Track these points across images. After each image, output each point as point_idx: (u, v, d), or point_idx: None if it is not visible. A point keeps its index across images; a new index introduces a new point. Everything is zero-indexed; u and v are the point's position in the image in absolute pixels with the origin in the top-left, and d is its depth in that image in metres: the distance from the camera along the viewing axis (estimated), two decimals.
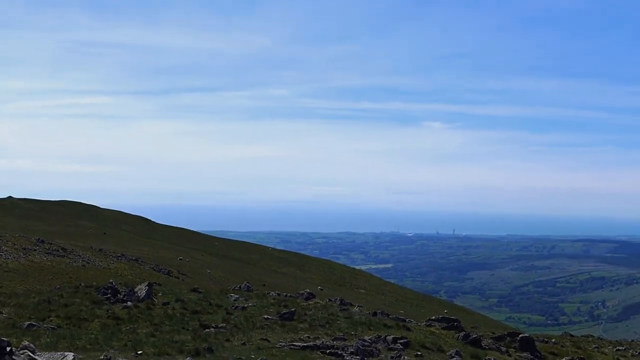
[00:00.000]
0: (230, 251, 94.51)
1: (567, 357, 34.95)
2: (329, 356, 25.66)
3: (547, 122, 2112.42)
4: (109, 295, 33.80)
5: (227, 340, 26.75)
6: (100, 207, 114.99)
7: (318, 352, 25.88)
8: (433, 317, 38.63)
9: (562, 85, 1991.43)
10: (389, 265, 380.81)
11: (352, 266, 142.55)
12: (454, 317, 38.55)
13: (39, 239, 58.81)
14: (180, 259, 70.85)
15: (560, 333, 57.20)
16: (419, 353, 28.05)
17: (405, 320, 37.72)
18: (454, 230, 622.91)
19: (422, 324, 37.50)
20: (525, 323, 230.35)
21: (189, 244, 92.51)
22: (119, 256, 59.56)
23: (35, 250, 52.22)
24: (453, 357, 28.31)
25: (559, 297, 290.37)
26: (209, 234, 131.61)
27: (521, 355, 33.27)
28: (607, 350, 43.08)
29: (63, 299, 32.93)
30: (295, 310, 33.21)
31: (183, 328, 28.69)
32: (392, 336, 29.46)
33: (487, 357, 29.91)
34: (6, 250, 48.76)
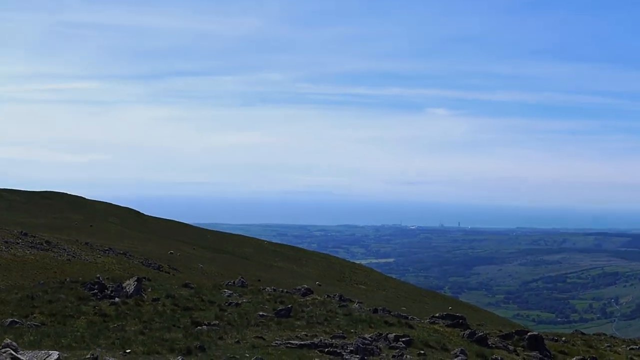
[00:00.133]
0: (224, 245, 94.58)
1: (578, 357, 35.05)
2: (328, 355, 25.68)
3: (558, 109, 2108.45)
4: (95, 291, 33.81)
5: (220, 338, 26.77)
6: (87, 198, 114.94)
7: (316, 351, 25.90)
8: (437, 314, 38.68)
9: (574, 70, 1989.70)
10: (391, 260, 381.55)
11: (351, 260, 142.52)
12: (459, 314, 38.61)
13: (21, 231, 58.82)
14: (170, 252, 70.90)
15: (571, 331, 57.29)
16: (422, 352, 28.09)
17: (407, 318, 37.78)
18: (459, 223, 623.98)
19: (426, 321, 37.55)
20: (534, 320, 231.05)
21: (180, 237, 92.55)
22: (107, 250, 59.59)
23: (18, 243, 52.24)
24: (458, 356, 28.36)
25: (569, 294, 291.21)
26: (201, 226, 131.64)
27: (530, 354, 33.34)
28: (620, 350, 43.18)
29: (47, 294, 32.95)
30: (291, 306, 33.24)
31: (174, 325, 28.72)
32: (394, 334, 29.50)
33: (494, 356, 29.97)
34: None
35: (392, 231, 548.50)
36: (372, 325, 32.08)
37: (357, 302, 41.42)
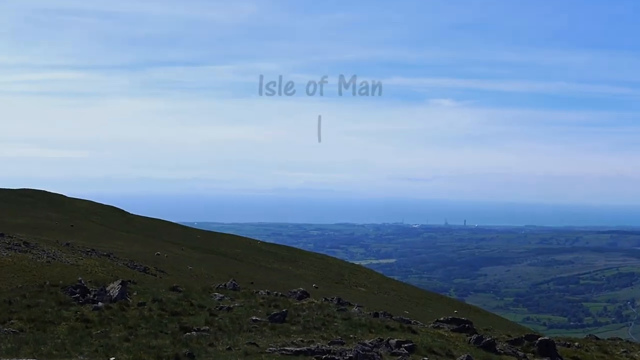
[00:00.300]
0: (214, 245, 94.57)
1: None
2: None
3: (571, 99, 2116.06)
4: (77, 295, 33.79)
5: (211, 344, 26.78)
6: (67, 196, 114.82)
7: (313, 358, 25.96)
8: (441, 318, 38.76)
9: (589, 58, 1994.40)
10: (392, 261, 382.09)
11: (350, 261, 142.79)
12: (465, 318, 38.69)
13: None
14: (157, 254, 70.89)
15: (585, 336, 57.43)
16: (426, 358, 28.16)
17: (410, 322, 37.83)
18: (465, 221, 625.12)
19: (430, 325, 37.62)
20: (545, 324, 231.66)
21: (168, 237, 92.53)
22: (89, 251, 59.52)
23: None
24: None
25: (582, 296, 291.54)
26: (190, 225, 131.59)
27: None
28: (636, 355, 43.27)
29: (26, 299, 32.91)
30: (287, 310, 33.26)
31: (161, 331, 28.71)
32: (396, 339, 29.54)
33: None
34: None
35: (394, 230, 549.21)
36: (373, 330, 32.12)
37: (357, 306, 41.48)
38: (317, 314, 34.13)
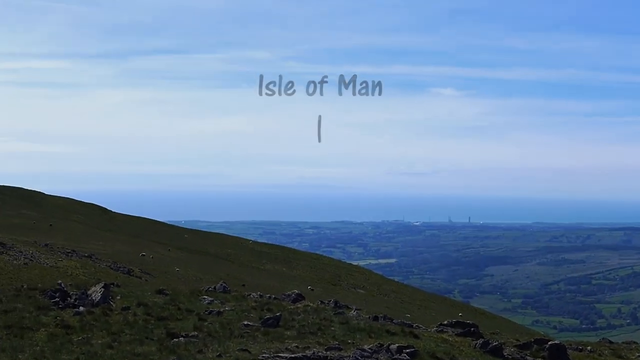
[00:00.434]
0: (203, 245, 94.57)
1: None
2: None
3: (581, 88, 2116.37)
4: (57, 299, 33.73)
5: (200, 351, 26.78)
6: (46, 193, 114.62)
7: None
8: (445, 322, 38.76)
9: (601, 45, 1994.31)
10: (392, 260, 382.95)
11: (348, 262, 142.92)
12: (471, 322, 38.70)
13: None
14: (142, 255, 70.86)
15: (598, 339, 57.51)
16: None
17: (412, 326, 37.87)
18: (469, 218, 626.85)
19: (433, 329, 37.64)
20: (555, 328, 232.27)
21: (154, 237, 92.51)
22: (69, 252, 59.45)
23: None
24: None
25: (595, 297, 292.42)
26: (177, 224, 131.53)
27: None
28: None
29: (2, 304, 32.85)
30: (280, 314, 33.26)
31: (147, 338, 28.70)
32: (397, 345, 29.55)
33: None
34: None
35: (394, 228, 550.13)
36: (372, 334, 32.13)
37: (355, 309, 41.50)
38: (312, 318, 34.13)
